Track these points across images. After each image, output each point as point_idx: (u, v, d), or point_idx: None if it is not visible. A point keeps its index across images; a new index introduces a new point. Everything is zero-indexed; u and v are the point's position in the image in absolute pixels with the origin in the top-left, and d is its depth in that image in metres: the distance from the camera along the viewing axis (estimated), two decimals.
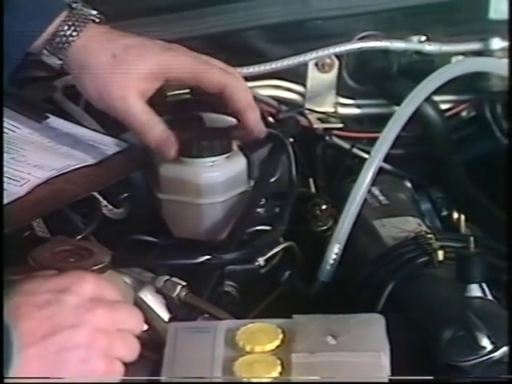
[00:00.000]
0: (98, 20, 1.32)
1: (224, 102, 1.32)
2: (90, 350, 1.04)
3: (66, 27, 1.29)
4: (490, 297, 1.16)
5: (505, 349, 1.06)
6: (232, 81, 1.31)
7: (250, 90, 1.34)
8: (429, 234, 1.23)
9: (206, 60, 1.32)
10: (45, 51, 1.30)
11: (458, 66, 1.39)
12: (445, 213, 1.35)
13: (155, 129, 1.30)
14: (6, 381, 0.96)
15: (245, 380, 1.06)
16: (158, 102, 1.31)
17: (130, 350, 1.08)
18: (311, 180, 1.42)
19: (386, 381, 1.07)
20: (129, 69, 1.28)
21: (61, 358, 1.02)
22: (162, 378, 1.08)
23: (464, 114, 1.50)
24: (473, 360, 1.06)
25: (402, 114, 1.31)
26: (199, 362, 1.10)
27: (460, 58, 1.46)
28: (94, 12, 1.32)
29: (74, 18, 1.30)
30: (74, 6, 1.31)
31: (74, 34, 1.29)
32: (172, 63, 1.30)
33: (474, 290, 1.16)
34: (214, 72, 1.31)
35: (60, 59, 1.30)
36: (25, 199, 1.20)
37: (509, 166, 1.28)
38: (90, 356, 1.04)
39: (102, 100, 1.29)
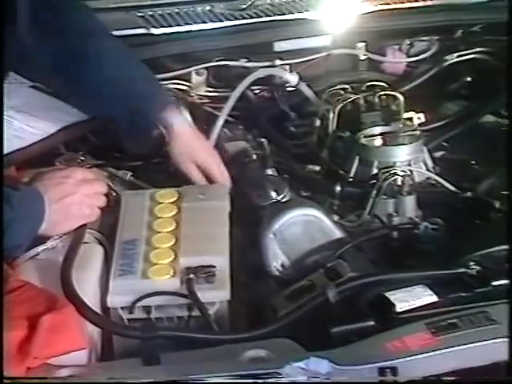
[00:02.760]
0: None
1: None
2: (82, 204, 0.99)
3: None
4: (276, 174, 1.13)
5: (282, 195, 1.05)
6: (212, 165, 1.12)
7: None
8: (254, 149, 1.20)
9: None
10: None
11: (260, 72, 1.34)
12: (260, 140, 1.26)
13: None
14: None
15: None
16: None
17: (102, 202, 1.03)
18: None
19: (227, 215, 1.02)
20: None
21: (68, 208, 0.97)
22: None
23: (266, 95, 1.40)
24: (268, 201, 1.05)
25: (234, 95, 1.29)
26: (137, 208, 1.04)
27: (262, 69, 1.37)
28: None
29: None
30: None
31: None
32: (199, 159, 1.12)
33: (269, 171, 1.13)
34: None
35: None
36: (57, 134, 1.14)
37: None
38: (82, 207, 0.99)
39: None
